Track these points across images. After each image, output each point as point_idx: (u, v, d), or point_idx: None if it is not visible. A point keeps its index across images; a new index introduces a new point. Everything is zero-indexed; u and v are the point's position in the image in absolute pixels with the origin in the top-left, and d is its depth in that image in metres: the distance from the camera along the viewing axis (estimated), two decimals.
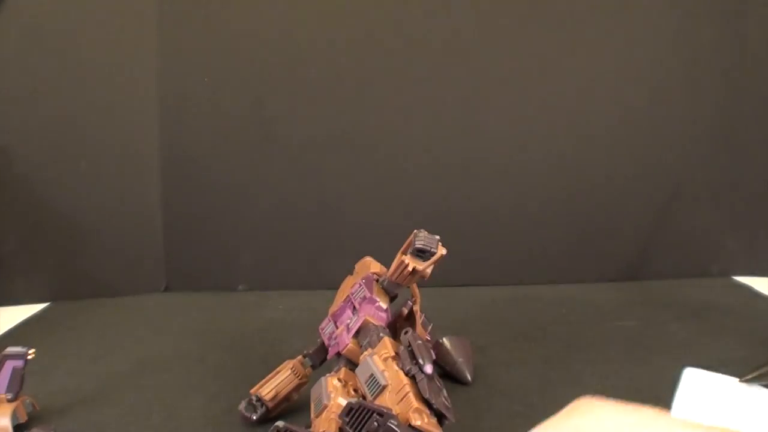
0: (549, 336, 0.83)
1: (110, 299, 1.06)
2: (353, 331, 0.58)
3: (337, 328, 0.61)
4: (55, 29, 1.03)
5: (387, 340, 0.53)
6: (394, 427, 0.41)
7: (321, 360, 0.65)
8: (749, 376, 0.60)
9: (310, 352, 0.65)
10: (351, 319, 0.60)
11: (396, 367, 0.49)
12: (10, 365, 0.62)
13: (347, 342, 0.57)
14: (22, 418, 0.62)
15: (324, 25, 1.06)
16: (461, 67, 1.06)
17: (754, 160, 1.09)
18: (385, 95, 1.07)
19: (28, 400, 0.63)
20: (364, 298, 0.60)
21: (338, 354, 0.58)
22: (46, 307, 1.04)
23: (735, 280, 1.08)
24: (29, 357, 0.62)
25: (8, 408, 0.60)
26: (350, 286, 0.64)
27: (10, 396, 0.61)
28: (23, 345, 0.63)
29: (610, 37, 1.07)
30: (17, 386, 0.61)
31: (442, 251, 0.57)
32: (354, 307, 0.61)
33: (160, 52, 1.06)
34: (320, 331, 0.64)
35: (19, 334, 0.92)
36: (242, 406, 0.63)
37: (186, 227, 1.10)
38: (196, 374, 0.75)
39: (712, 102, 1.08)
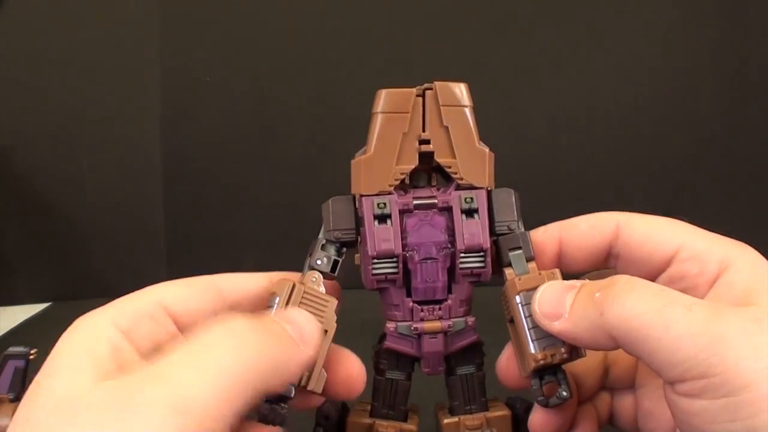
0: None
1: (112, 299, 1.06)
2: None
3: None
4: (57, 29, 1.03)
5: None
6: None
7: None
8: None
9: None
10: None
11: None
12: (12, 365, 0.61)
13: None
14: None
15: (328, 25, 1.06)
16: (459, 66, 1.06)
17: (755, 160, 1.09)
18: None
19: None
20: None
21: None
22: (47, 306, 1.04)
23: None
24: (31, 357, 0.62)
25: (10, 408, 0.60)
26: None
27: (12, 396, 0.61)
28: (25, 345, 0.62)
29: (610, 37, 1.07)
30: (19, 386, 0.61)
31: None
32: None
33: (163, 51, 1.06)
34: None
35: (21, 334, 0.92)
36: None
37: (188, 227, 1.10)
38: None
39: (714, 101, 1.08)
